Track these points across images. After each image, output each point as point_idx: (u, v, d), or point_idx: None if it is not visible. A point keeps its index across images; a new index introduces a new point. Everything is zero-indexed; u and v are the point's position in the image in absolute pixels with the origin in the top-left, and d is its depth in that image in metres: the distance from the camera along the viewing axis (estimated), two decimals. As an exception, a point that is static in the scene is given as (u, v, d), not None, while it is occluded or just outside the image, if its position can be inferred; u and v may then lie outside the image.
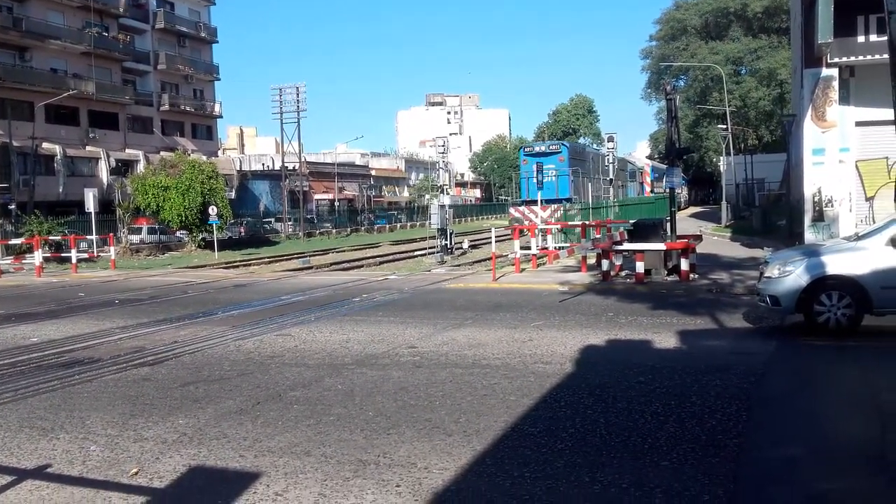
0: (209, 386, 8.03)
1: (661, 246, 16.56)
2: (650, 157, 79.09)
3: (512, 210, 31.70)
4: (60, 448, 6.06)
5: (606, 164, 38.42)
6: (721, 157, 59.24)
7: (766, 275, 10.50)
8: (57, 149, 47.97)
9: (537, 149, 32.89)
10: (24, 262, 27.84)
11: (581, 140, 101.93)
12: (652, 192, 53.03)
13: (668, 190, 20.60)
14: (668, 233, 17.70)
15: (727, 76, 54.44)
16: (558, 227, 25.78)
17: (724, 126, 51.14)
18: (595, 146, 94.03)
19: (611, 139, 39.96)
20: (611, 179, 38.68)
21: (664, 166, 67.09)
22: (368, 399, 7.25)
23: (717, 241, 29.14)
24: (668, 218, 18.72)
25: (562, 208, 29.13)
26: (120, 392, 7.88)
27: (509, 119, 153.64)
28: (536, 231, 25.16)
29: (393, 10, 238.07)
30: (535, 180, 29.71)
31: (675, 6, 69.37)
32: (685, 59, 63.59)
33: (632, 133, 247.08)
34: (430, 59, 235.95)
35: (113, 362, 9.53)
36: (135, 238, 41.23)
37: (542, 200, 28.98)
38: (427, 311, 13.44)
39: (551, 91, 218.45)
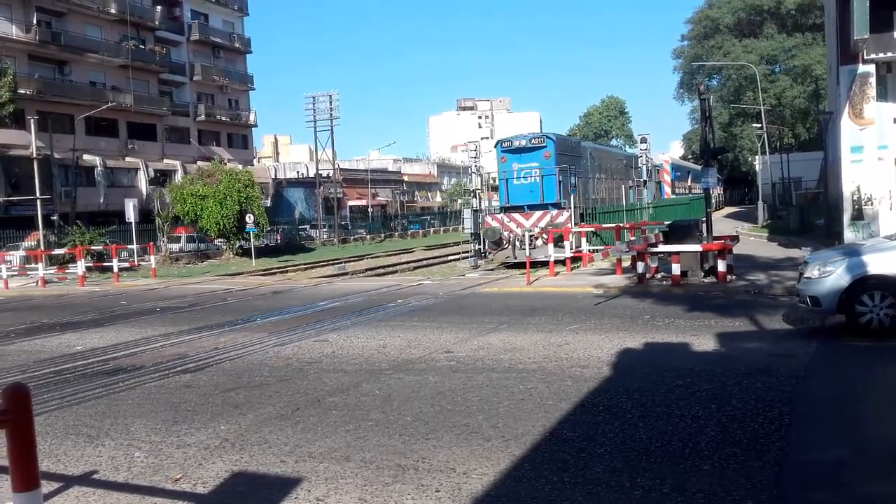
0: (249, 392, 8.14)
1: (697, 247, 16.40)
2: (684, 158, 78.17)
3: (488, 219, 25.47)
4: (106, 454, 6.18)
5: (639, 164, 37.80)
6: (756, 157, 58.51)
7: (805, 275, 10.35)
8: (97, 160, 48.96)
9: (517, 143, 25.56)
10: (67, 271, 28.47)
11: (613, 141, 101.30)
12: (673, 192, 46.24)
13: (703, 190, 20.35)
14: (704, 234, 17.52)
15: (761, 75, 53.69)
16: (591, 229, 25.08)
17: (759, 125, 50.49)
18: (611, 142, 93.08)
19: (643, 140, 39.54)
20: (644, 181, 38.18)
21: (688, 164, 63.79)
22: (406, 404, 7.29)
23: (753, 241, 28.75)
24: (704, 219, 18.52)
25: (548, 214, 24.12)
26: (163, 399, 8.02)
27: (540, 122, 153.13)
28: (518, 241, 23.27)
29: (424, 16, 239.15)
30: (515, 181, 25.18)
31: (708, 5, 68.69)
32: (718, 58, 62.94)
33: (665, 133, 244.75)
34: (460, 64, 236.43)
35: (155, 369, 9.70)
36: (174, 247, 41.87)
37: (561, 206, 24.66)
38: (462, 316, 13.47)
39: (583, 93, 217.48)
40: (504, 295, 16.88)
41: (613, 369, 8.39)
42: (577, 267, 21.86)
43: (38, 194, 35.22)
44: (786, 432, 5.92)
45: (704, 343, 9.70)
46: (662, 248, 16.96)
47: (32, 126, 37.77)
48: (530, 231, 23.24)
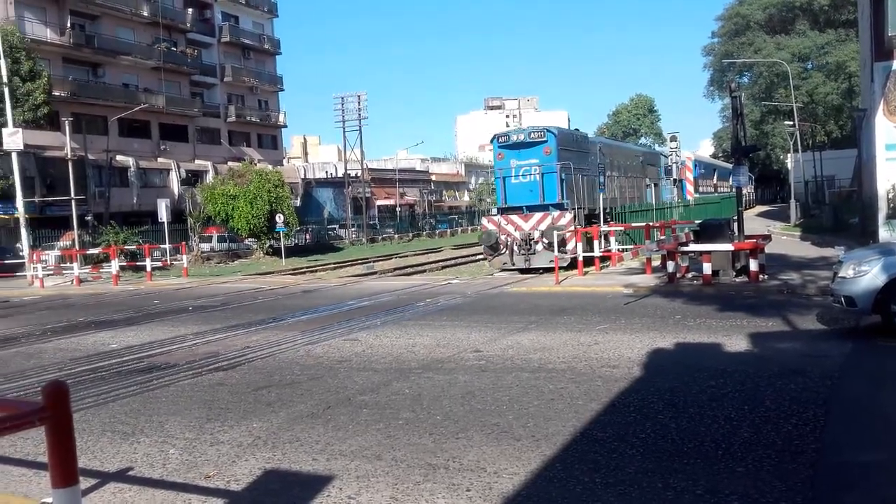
0: (281, 390, 8.21)
1: (728, 246, 16.24)
2: (714, 156, 77.33)
3: (485, 221, 23.77)
4: (141, 451, 6.28)
5: (670, 163, 37.42)
6: (788, 154, 57.75)
7: (840, 275, 10.19)
8: (130, 161, 49.67)
9: (514, 138, 23.22)
10: (101, 270, 28.94)
11: (642, 140, 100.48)
12: (695, 191, 42.63)
13: (735, 188, 20.14)
14: (736, 233, 17.35)
15: (794, 72, 52.94)
16: (621, 228, 24.67)
17: (791, 122, 49.79)
18: (640, 141, 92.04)
19: (673, 138, 39.25)
20: (675, 180, 37.83)
21: (714, 161, 61.83)
22: (436, 403, 7.30)
23: (786, 240, 28.41)
24: (736, 217, 18.34)
25: (549, 216, 21.83)
26: (196, 396, 8.13)
27: (569, 121, 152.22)
28: (517, 245, 21.78)
29: (451, 16, 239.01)
30: (513, 180, 22.82)
31: (739, 1, 67.88)
32: (749, 55, 62.18)
33: (694, 132, 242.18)
34: (488, 64, 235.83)
35: (188, 367, 9.83)
36: (205, 246, 42.36)
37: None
38: (491, 316, 13.46)
39: (611, 91, 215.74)
40: (532, 294, 16.84)
41: (644, 369, 8.34)
42: (607, 266, 21.73)
43: (72, 195, 35.76)
44: (820, 434, 5.84)
45: (737, 343, 9.60)
46: (693, 247, 16.82)
47: (67, 127, 38.40)
48: (530, 234, 21.86)
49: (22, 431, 4.06)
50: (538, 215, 22.01)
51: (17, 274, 30.51)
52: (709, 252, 15.97)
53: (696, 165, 45.25)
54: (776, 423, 6.10)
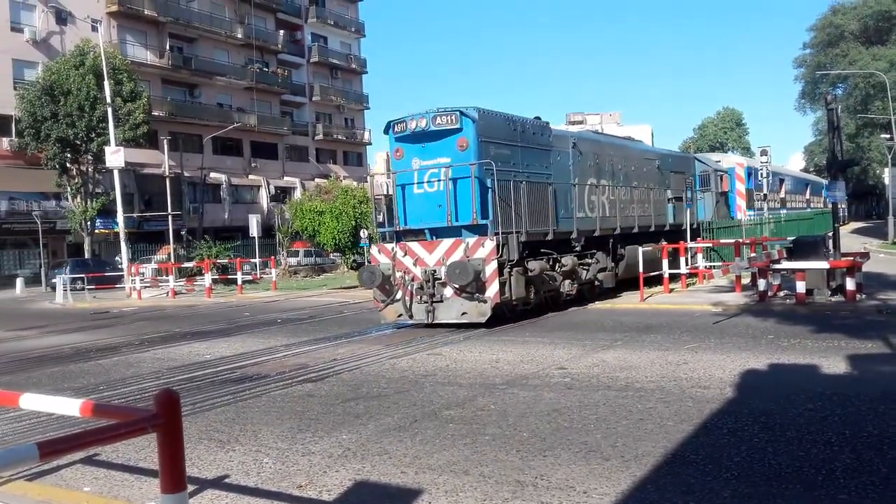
0: (369, 403, 8.34)
1: (824, 264, 15.66)
2: (805, 170, 74.55)
3: (374, 251, 15.77)
4: (236, 460, 6.47)
5: (760, 178, 36.05)
6: (885, 169, 55.27)
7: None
8: (222, 178, 51.56)
9: (413, 125, 15.10)
10: (195, 283, 30.03)
11: (730, 153, 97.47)
12: (750, 207, 33.22)
13: (831, 204, 19.42)
14: (832, 250, 16.73)
15: (891, 82, 50.70)
16: (710, 244, 23.77)
17: (889, 135, 47.65)
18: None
19: (764, 152, 37.98)
20: (765, 195, 36.54)
21: (783, 170, 58.79)
22: (522, 420, 7.29)
23: (883, 258, 27.21)
24: (831, 234, 17.69)
25: (462, 244, 14.43)
26: (287, 407, 8.34)
27: (652, 135, 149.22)
28: (417, 288, 14.66)
29: (533, 32, 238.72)
30: (415, 189, 15.28)
31: (832, 11, 65.58)
32: (843, 66, 59.93)
33: (785, 145, 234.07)
34: (570, 80, 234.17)
35: (279, 378, 10.10)
36: (293, 260, 43.45)
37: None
38: (574, 332, 13.35)
39: (697, 105, 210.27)
40: (616, 311, 16.60)
41: (737, 390, 8.12)
42: (693, 284, 21.25)
43: (169, 210, 37.34)
44: (929, 462, 5.56)
45: (834, 365, 9.24)
46: (786, 264, 16.28)
47: (165, 146, 40.18)
48: (434, 272, 14.65)
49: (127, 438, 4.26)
50: (447, 243, 14.79)
51: (117, 286, 32.03)
52: (803, 270, 15.44)
53: (749, 175, 34.82)
54: (880, 449, 5.84)
